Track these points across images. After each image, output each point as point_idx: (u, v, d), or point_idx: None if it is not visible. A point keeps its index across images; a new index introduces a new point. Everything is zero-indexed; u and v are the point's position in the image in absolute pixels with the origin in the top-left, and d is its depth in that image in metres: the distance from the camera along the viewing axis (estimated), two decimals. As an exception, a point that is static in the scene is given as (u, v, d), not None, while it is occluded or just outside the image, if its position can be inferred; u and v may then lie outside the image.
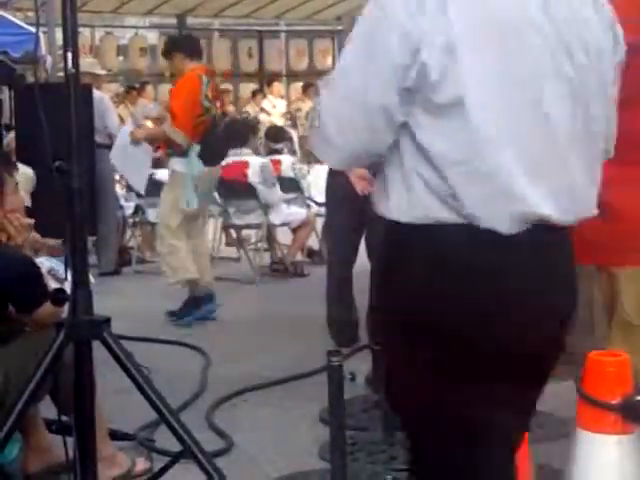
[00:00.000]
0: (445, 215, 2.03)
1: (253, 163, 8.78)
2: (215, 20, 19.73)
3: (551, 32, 2.05)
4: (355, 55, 2.10)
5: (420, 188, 2.05)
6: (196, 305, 7.00)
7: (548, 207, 2.04)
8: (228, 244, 9.99)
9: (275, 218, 8.99)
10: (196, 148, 6.87)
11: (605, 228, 3.07)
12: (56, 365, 2.91)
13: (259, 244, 9.14)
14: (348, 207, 5.75)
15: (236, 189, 8.75)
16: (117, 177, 9.93)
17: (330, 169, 5.95)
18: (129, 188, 10.05)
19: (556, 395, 4.34)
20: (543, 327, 2.13)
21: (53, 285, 3.74)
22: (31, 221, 3.91)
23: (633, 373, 2.58)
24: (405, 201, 2.07)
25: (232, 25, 20.45)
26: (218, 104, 7.16)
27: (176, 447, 2.93)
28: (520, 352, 2.12)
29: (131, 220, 9.85)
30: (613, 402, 2.45)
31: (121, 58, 18.89)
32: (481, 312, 2.05)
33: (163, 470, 3.21)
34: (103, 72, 11.05)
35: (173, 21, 17.27)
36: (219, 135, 6.98)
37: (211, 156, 6.98)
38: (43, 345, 3.04)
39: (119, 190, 9.98)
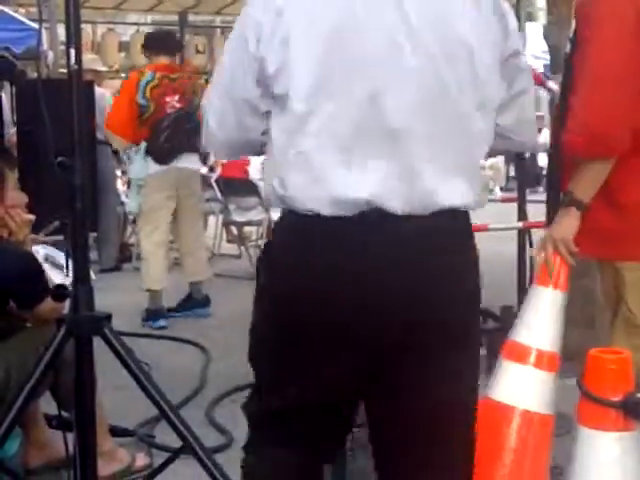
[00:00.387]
0: (282, 204, 2.20)
1: (254, 160, 8.77)
2: (217, 17, 19.73)
3: (401, 28, 2.09)
4: (226, 54, 2.27)
5: (269, 176, 2.22)
6: (152, 317, 6.91)
7: (375, 193, 2.08)
8: (229, 241, 9.99)
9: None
10: (141, 149, 6.79)
11: (615, 221, 3.06)
12: (57, 361, 2.91)
13: (260, 241, 9.13)
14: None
15: (237, 186, 8.75)
16: (118, 173, 9.93)
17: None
18: (129, 184, 10.06)
19: (557, 392, 4.33)
20: (366, 325, 2.12)
21: (50, 272, 3.75)
22: (32, 217, 3.91)
23: (635, 371, 2.57)
24: (266, 189, 2.28)
25: (233, 23, 20.42)
26: (175, 99, 6.83)
27: (176, 443, 2.93)
28: (335, 349, 2.16)
29: (132, 216, 9.85)
30: (614, 399, 2.44)
31: (123, 55, 18.89)
32: (301, 304, 2.17)
33: (163, 466, 3.20)
34: (104, 69, 11.06)
35: (175, 18, 17.27)
36: (161, 133, 6.77)
37: (159, 155, 6.78)
38: (44, 341, 3.04)
39: (120, 186, 9.98)
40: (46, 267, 3.83)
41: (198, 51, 17.91)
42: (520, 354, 3.10)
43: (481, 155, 2.22)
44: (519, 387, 3.10)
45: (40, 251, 3.93)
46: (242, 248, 9.50)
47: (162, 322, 6.86)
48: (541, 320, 3.11)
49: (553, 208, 3.15)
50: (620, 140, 2.89)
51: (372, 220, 2.08)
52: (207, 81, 10.07)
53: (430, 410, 2.23)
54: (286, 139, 2.14)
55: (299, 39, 2.10)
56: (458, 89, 2.12)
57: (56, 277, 3.89)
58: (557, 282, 3.08)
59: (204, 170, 8.76)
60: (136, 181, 6.93)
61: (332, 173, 2.09)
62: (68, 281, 4.00)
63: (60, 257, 4.09)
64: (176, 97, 6.83)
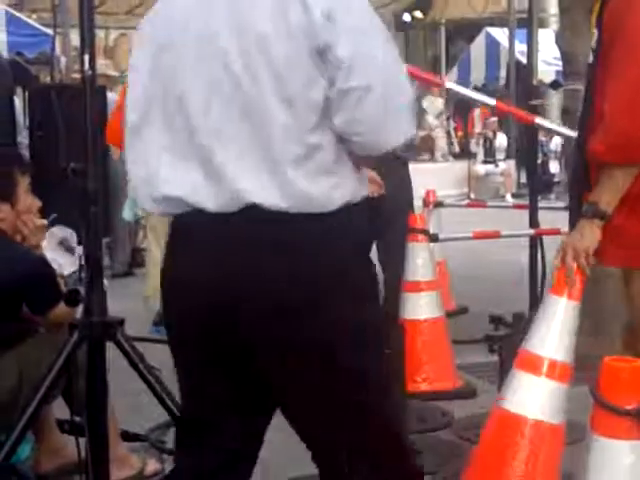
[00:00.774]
0: None
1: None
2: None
3: (203, 25, 2.17)
4: None
5: None
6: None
7: (188, 193, 2.18)
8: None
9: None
10: None
11: None
12: (69, 366, 2.92)
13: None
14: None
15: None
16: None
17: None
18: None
19: (568, 400, 4.32)
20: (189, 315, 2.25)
21: (62, 258, 3.76)
22: (45, 222, 3.92)
23: None
24: None
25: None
26: None
27: (188, 449, 2.92)
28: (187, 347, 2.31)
29: (143, 221, 9.84)
30: (628, 408, 2.44)
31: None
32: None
33: (175, 472, 3.20)
34: (116, 74, 11.07)
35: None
36: None
37: None
38: (57, 346, 3.05)
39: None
40: (59, 253, 3.85)
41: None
42: (533, 364, 3.10)
43: (291, 152, 2.14)
44: (531, 397, 3.10)
45: (57, 233, 3.95)
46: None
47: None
48: (554, 330, 3.10)
49: (576, 214, 3.09)
50: None
51: (192, 218, 2.20)
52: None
53: (292, 390, 2.28)
54: (128, 146, 2.34)
55: (137, 58, 2.32)
56: (252, 81, 2.12)
57: (67, 262, 3.91)
58: (572, 293, 3.08)
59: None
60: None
61: (155, 175, 2.24)
62: (77, 266, 4.02)
63: (73, 239, 4.10)
64: None
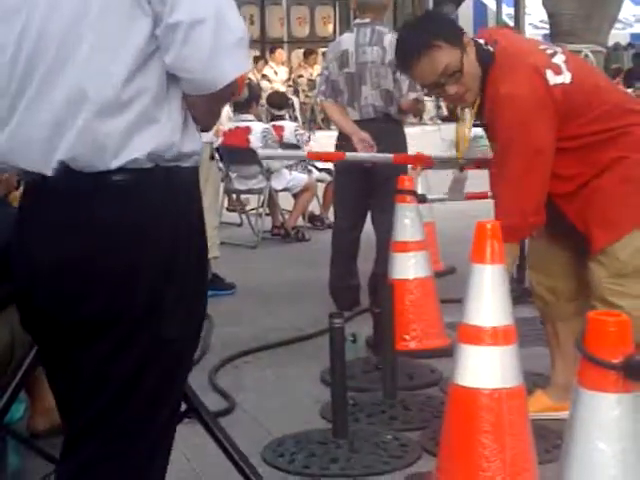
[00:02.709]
0: None
1: (255, 129, 8.78)
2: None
3: None
4: None
5: None
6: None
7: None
8: (230, 209, 10.00)
9: (277, 183, 9.00)
10: None
11: None
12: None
13: (260, 209, 9.15)
14: (356, 172, 5.78)
15: (238, 154, 8.76)
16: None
17: (339, 134, 5.96)
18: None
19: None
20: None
21: None
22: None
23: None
24: None
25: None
26: None
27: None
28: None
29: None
30: (614, 361, 2.46)
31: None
32: None
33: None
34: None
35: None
36: None
37: None
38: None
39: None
40: None
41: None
42: (475, 336, 3.13)
43: None
44: (482, 368, 3.12)
45: None
46: (243, 216, 9.52)
47: None
48: (487, 298, 3.14)
49: None
50: (530, 229, 3.73)
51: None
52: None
53: None
54: None
55: None
56: None
57: None
58: (494, 257, 3.15)
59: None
60: None
61: None
62: None
63: None
64: None
